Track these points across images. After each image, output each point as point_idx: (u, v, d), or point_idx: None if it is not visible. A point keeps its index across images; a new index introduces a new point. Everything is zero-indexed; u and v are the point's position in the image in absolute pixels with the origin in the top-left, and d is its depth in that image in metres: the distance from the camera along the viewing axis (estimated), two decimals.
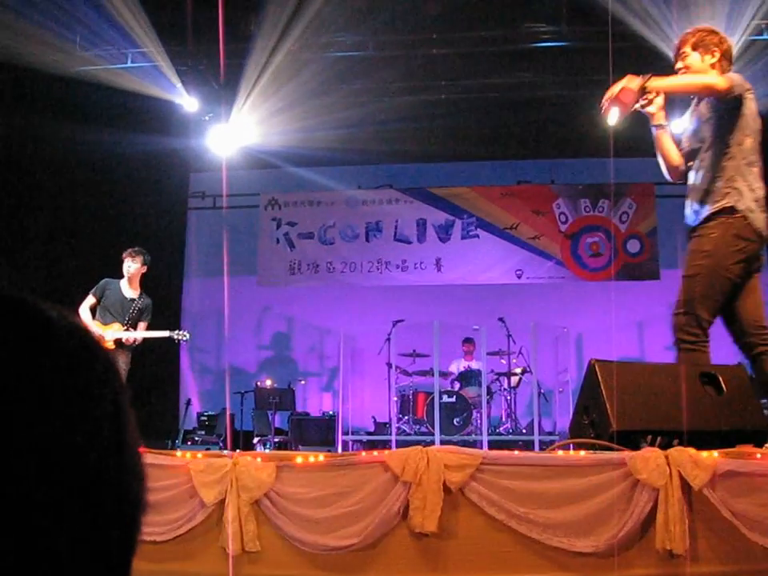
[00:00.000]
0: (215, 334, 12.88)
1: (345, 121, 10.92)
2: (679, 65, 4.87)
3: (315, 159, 12.09)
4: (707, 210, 4.69)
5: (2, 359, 0.68)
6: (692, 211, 4.81)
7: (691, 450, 3.52)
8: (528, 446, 9.90)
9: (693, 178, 4.83)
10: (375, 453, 3.81)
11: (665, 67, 4.75)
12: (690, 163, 4.88)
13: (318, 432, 10.75)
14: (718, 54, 4.83)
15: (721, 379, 4.02)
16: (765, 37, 8.80)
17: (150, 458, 3.92)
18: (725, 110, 4.75)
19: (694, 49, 4.83)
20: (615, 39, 8.99)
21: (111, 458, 0.73)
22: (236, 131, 10.77)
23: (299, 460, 3.79)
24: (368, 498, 3.62)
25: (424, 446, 3.71)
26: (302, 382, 12.36)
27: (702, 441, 3.68)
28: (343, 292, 12.98)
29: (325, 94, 11.06)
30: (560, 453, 3.88)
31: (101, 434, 0.72)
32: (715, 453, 3.54)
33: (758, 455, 3.61)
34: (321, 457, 3.81)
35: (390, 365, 10.78)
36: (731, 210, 4.64)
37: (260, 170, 12.65)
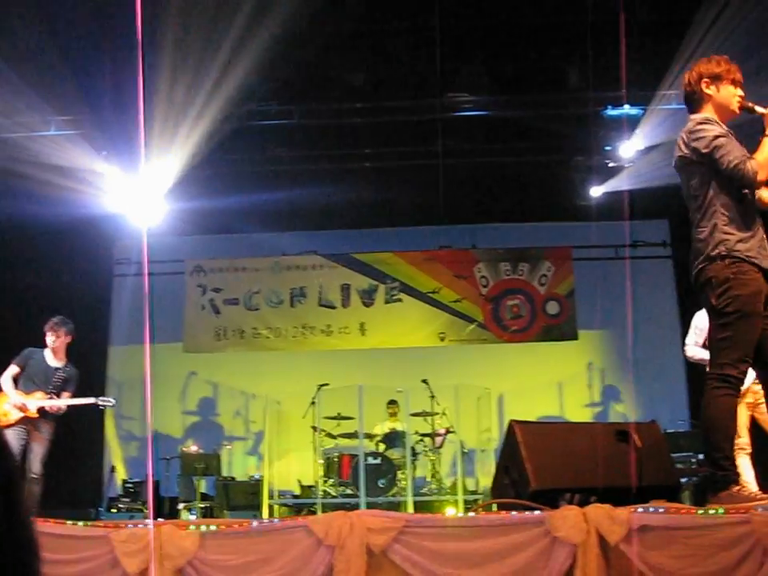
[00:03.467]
0: (141, 401, 12.63)
1: (270, 188, 11.02)
2: (741, 93, 4.34)
3: (240, 226, 12.09)
4: None
5: None
6: None
7: (607, 507, 3.57)
8: (453, 505, 9.86)
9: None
10: (300, 518, 3.79)
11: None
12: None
13: (244, 497, 10.58)
14: None
15: (635, 437, 4.08)
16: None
17: (69, 529, 3.83)
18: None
19: None
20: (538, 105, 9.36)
21: (2, 535, 0.72)
22: (159, 198, 10.69)
23: (222, 527, 3.75)
24: (292, 563, 3.59)
25: (348, 510, 3.69)
26: (228, 447, 12.23)
27: (618, 497, 3.73)
28: (268, 357, 12.92)
29: (250, 162, 11.12)
30: (481, 513, 3.89)
31: None
32: (630, 508, 3.59)
33: (671, 510, 3.67)
34: (245, 523, 3.77)
35: (315, 428, 10.69)
36: None
37: (185, 236, 12.56)
